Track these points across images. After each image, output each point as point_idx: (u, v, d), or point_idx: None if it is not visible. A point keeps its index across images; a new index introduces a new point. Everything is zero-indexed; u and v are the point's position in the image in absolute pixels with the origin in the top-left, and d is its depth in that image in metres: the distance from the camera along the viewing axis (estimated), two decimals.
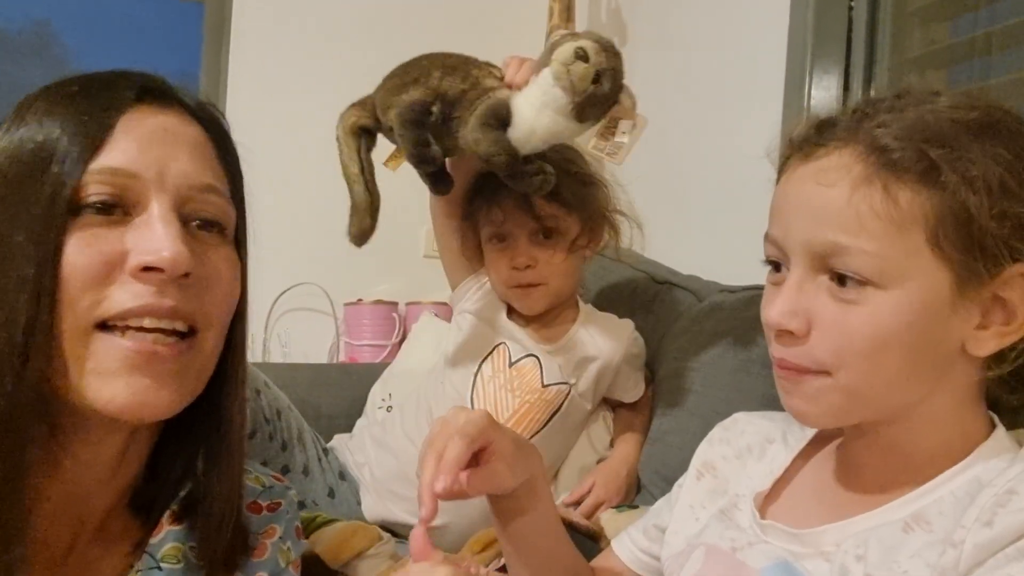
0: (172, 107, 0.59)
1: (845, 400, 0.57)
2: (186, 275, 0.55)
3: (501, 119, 0.95)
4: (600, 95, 0.95)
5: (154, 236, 0.54)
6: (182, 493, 0.63)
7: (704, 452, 0.74)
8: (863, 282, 0.54)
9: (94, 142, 0.54)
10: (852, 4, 1.28)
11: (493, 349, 1.19)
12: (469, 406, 1.15)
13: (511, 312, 1.20)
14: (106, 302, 0.53)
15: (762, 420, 0.73)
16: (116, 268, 0.53)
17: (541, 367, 1.16)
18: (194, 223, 0.58)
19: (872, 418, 0.58)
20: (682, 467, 0.76)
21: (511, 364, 1.18)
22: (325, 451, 1.23)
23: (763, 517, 0.63)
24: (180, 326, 0.56)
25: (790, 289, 0.58)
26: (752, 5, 1.46)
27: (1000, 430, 0.59)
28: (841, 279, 0.55)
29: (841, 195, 0.54)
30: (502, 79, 0.99)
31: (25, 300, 0.51)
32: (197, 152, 0.59)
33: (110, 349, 0.53)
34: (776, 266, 0.61)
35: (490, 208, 1.14)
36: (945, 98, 0.56)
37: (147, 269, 0.53)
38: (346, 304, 1.99)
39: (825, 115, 0.60)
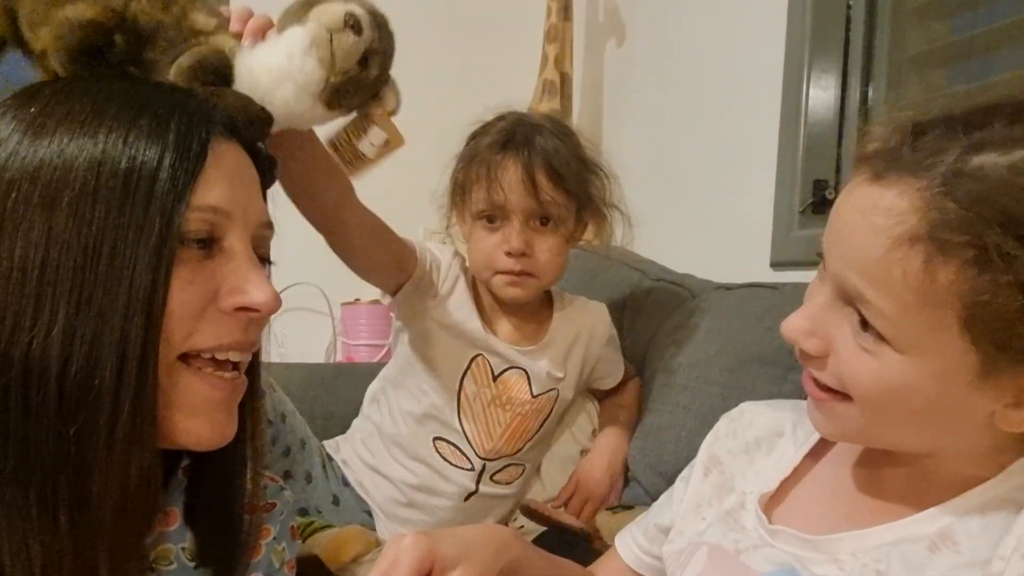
0: (233, 138, 0.59)
1: (865, 429, 0.55)
2: None
3: (218, 73, 0.69)
4: (363, 82, 0.75)
5: (251, 279, 0.56)
6: (176, 492, 0.62)
7: (710, 446, 0.72)
8: (880, 338, 0.51)
9: (195, 173, 0.54)
10: (850, 3, 1.27)
11: (471, 363, 1.11)
12: (458, 427, 1.11)
13: (483, 318, 1.12)
14: (197, 336, 0.55)
15: (770, 410, 0.71)
16: (210, 304, 0.55)
17: (528, 378, 1.13)
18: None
19: (896, 449, 0.57)
20: (676, 462, 0.74)
21: (494, 377, 1.12)
22: (329, 457, 1.21)
23: (770, 521, 0.62)
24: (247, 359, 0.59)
25: (815, 308, 0.55)
26: (750, 4, 1.46)
27: None
28: (864, 323, 0.52)
29: (880, 245, 0.49)
30: (226, 23, 0.72)
31: (138, 327, 0.51)
32: (258, 188, 0.61)
33: (195, 387, 0.56)
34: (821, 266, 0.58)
35: (490, 183, 1.05)
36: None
37: (242, 308, 0.56)
38: (343, 304, 1.99)
39: (917, 121, 0.51)
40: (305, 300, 2.00)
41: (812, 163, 1.29)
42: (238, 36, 0.71)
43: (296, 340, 1.98)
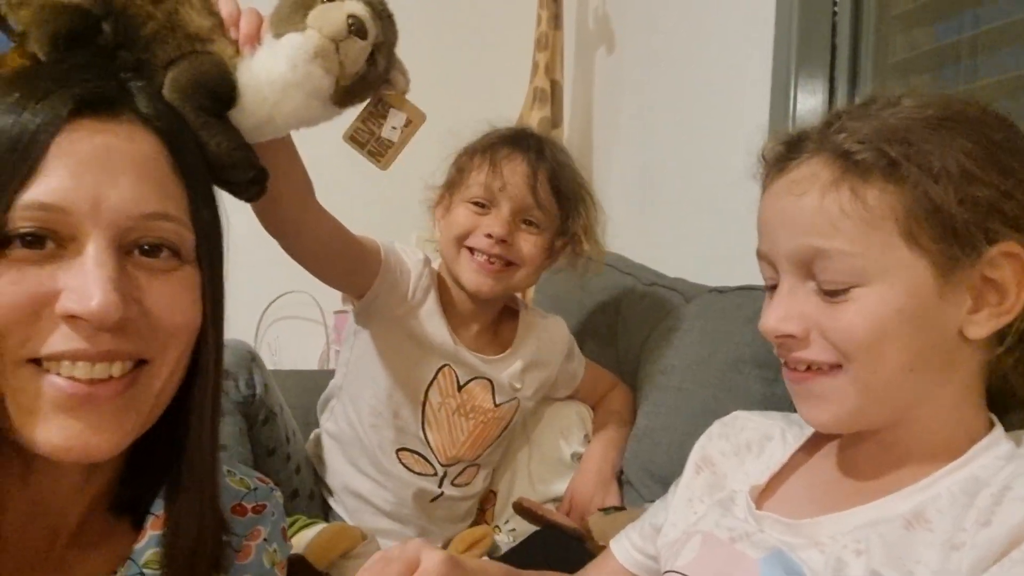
0: (119, 117, 0.53)
1: (858, 397, 0.58)
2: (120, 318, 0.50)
3: (219, 98, 0.64)
4: (373, 76, 0.72)
5: (84, 282, 0.49)
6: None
7: (703, 447, 0.75)
8: (848, 284, 0.56)
9: (24, 170, 0.49)
10: (836, 10, 1.29)
11: (437, 373, 1.10)
12: (422, 437, 1.11)
13: (451, 328, 1.11)
14: (34, 341, 0.50)
15: (761, 418, 0.74)
16: (47, 306, 0.50)
17: (493, 388, 1.13)
18: (141, 248, 0.53)
19: (885, 419, 0.59)
20: (669, 464, 0.76)
21: (459, 387, 1.12)
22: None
23: (758, 509, 0.64)
24: (118, 369, 0.52)
25: (782, 296, 0.60)
26: (738, 12, 1.47)
27: (998, 429, 0.59)
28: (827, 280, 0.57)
29: (813, 202, 0.57)
30: (218, 22, 0.67)
31: None
32: (144, 172, 0.53)
33: (42, 388, 0.50)
34: (773, 289, 0.63)
35: (492, 168, 1.06)
36: (909, 100, 0.59)
37: (74, 316, 0.49)
38: (336, 312, 1.99)
39: (796, 131, 0.63)
40: (298, 309, 2.01)
41: None
42: (234, 43, 0.67)
43: (289, 348, 1.98)
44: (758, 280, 1.32)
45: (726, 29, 1.51)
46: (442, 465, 1.13)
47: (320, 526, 1.01)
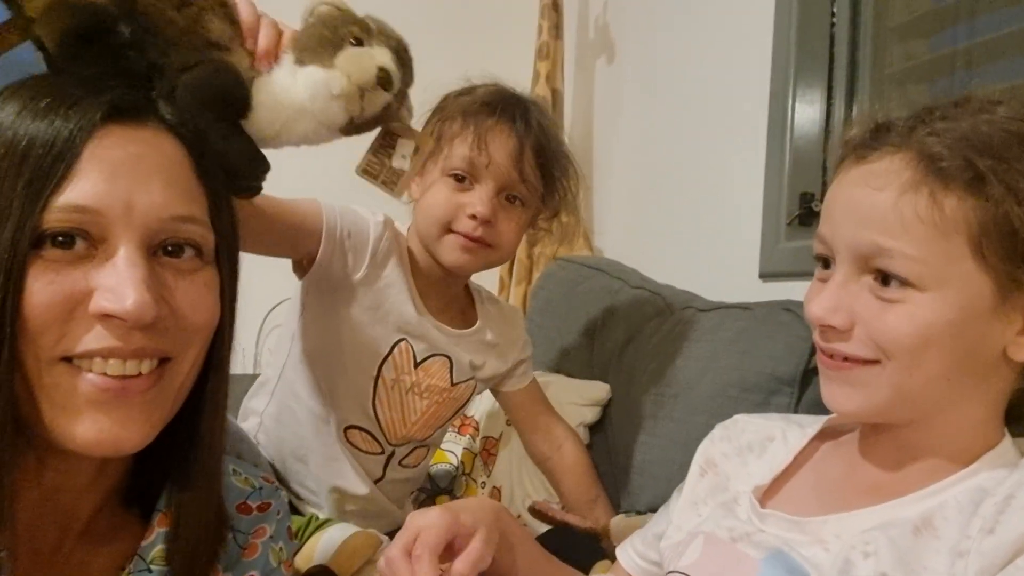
0: (147, 124, 0.55)
1: (891, 392, 0.57)
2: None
3: (234, 106, 0.65)
4: (385, 116, 0.74)
5: (118, 282, 0.51)
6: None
7: (706, 449, 0.75)
8: (904, 283, 0.55)
9: (59, 173, 0.50)
10: (834, 21, 1.31)
11: (393, 348, 1.05)
12: (371, 413, 1.07)
13: (416, 299, 1.06)
14: (68, 340, 0.51)
15: (762, 420, 0.75)
16: (80, 306, 0.51)
17: (451, 366, 1.09)
18: (165, 249, 0.55)
19: (908, 417, 0.59)
20: (667, 496, 0.77)
21: (416, 364, 1.07)
22: None
23: (762, 507, 0.64)
24: (147, 366, 0.54)
25: (834, 286, 0.59)
26: (737, 23, 1.49)
27: (1007, 439, 0.60)
28: (884, 279, 0.56)
29: (888, 199, 0.55)
30: (240, 33, 0.67)
31: None
32: (172, 176, 0.55)
33: (76, 385, 0.52)
34: (825, 263, 0.62)
35: (478, 141, 0.99)
36: (1004, 108, 0.57)
37: (109, 315, 0.51)
38: None
39: (883, 118, 0.60)
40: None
41: (798, 176, 1.32)
42: (251, 54, 0.67)
43: None
44: (754, 288, 1.34)
45: (725, 40, 1.52)
46: (391, 444, 1.10)
47: (336, 527, 1.00)
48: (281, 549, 0.67)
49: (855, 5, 1.29)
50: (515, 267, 1.87)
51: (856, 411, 0.61)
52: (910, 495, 0.58)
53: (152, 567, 0.60)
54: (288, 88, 0.67)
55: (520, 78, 1.96)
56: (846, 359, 0.59)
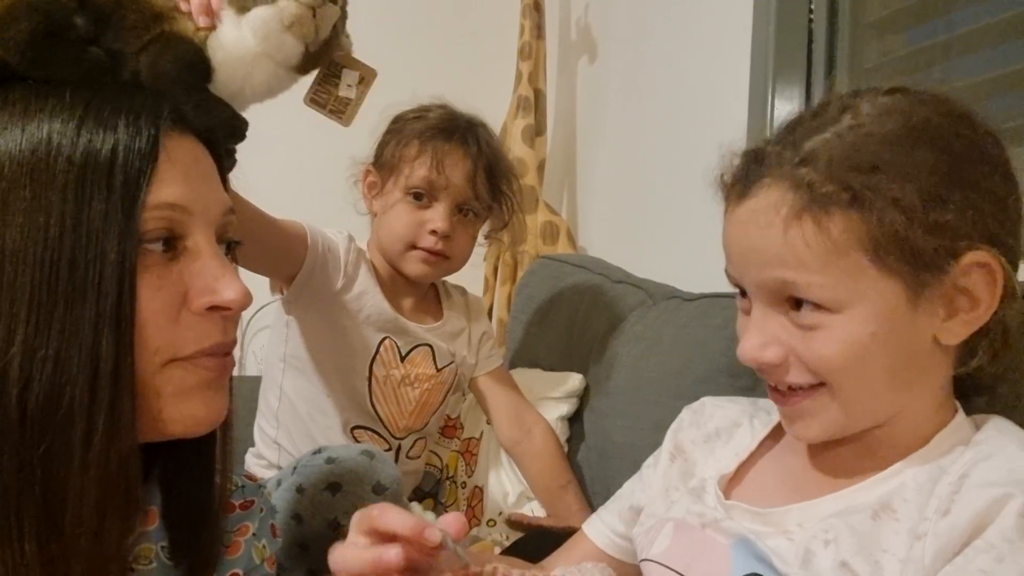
0: (184, 129, 0.57)
1: (841, 414, 0.58)
2: None
3: (201, 75, 0.67)
4: (333, 39, 0.76)
5: (220, 274, 0.54)
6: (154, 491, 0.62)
7: (675, 434, 0.76)
8: (818, 307, 0.56)
9: (148, 171, 0.51)
10: (812, 17, 1.32)
11: (379, 346, 1.15)
12: (372, 412, 1.15)
13: (390, 301, 1.15)
14: (177, 343, 0.53)
15: (730, 404, 0.75)
16: (182, 308, 0.53)
17: (434, 353, 1.19)
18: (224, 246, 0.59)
19: (868, 427, 0.60)
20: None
21: (402, 358, 1.17)
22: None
23: (727, 498, 0.65)
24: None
25: (756, 324, 0.60)
26: (717, 21, 1.50)
27: (960, 415, 0.61)
28: (797, 304, 0.57)
29: (777, 234, 0.56)
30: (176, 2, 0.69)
31: (109, 343, 0.49)
32: (214, 174, 0.59)
33: (185, 377, 0.54)
34: (743, 291, 0.63)
35: (436, 163, 1.10)
36: (867, 104, 0.57)
37: (214, 308, 0.54)
38: None
39: (752, 148, 0.61)
40: None
41: None
42: (189, 15, 0.69)
43: None
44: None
45: (705, 38, 1.53)
46: (396, 438, 1.18)
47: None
48: (264, 546, 0.67)
49: (832, 2, 1.30)
50: (499, 268, 1.87)
51: (818, 438, 0.62)
52: (868, 480, 0.58)
53: (134, 566, 0.60)
54: (237, 40, 0.69)
55: (502, 78, 1.99)
56: (791, 388, 0.60)
